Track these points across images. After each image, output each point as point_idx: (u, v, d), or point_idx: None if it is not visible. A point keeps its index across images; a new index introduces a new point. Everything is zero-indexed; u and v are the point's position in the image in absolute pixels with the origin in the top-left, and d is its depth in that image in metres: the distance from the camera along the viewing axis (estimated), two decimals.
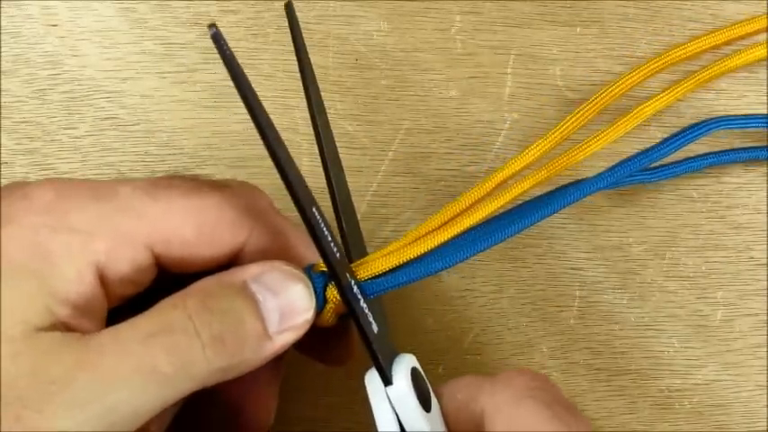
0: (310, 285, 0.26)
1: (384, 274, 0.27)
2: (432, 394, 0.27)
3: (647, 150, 0.31)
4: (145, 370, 0.23)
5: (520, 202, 0.30)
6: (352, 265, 0.27)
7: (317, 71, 0.34)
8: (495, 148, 0.35)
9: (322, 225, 0.25)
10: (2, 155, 0.33)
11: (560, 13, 0.36)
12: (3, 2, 0.34)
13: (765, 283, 0.36)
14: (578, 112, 0.32)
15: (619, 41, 0.36)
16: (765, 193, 0.36)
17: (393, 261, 0.27)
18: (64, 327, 0.24)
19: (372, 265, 0.27)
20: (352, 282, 0.26)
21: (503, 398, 0.25)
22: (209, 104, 0.34)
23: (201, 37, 0.34)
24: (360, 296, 0.26)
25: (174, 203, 0.25)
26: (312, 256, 0.27)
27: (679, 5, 0.36)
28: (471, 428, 0.26)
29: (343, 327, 0.28)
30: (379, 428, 0.26)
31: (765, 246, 0.36)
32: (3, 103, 0.34)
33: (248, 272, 0.25)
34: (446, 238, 0.28)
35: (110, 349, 0.23)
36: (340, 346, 0.29)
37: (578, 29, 0.36)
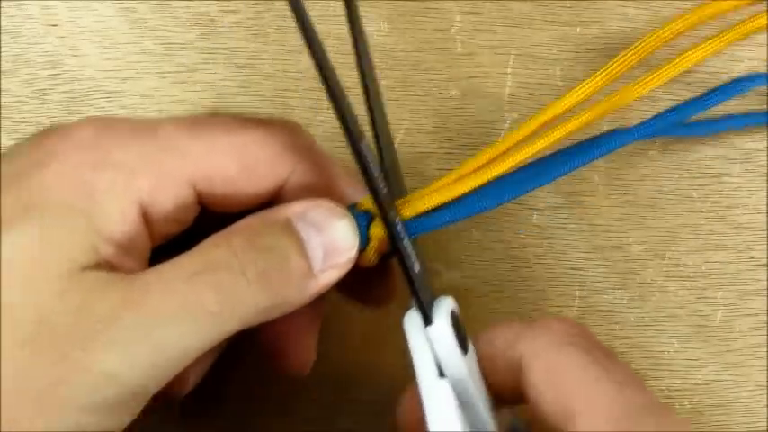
0: (354, 222, 0.26)
1: (427, 213, 0.27)
2: (469, 340, 0.26)
3: (690, 101, 0.31)
4: (191, 308, 0.23)
5: (562, 146, 0.30)
6: (396, 203, 0.27)
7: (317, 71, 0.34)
8: None
9: (371, 159, 0.25)
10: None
11: (560, 13, 0.36)
12: (3, 2, 0.34)
13: (765, 283, 0.36)
14: (621, 57, 0.32)
15: (619, 41, 0.36)
16: (765, 193, 0.36)
17: (437, 200, 0.27)
18: (108, 265, 0.23)
19: (416, 204, 0.27)
20: (397, 219, 0.26)
21: (542, 343, 0.25)
22: (209, 104, 0.34)
23: (201, 37, 0.34)
24: (403, 234, 0.26)
25: (216, 140, 0.25)
26: (354, 195, 0.27)
27: (679, 5, 0.36)
28: (508, 375, 0.26)
29: (384, 267, 0.28)
30: (417, 370, 0.26)
31: (765, 246, 0.36)
32: (3, 103, 0.34)
33: (292, 209, 0.25)
34: (489, 178, 0.27)
35: (155, 288, 0.23)
36: (381, 286, 0.29)
37: (578, 29, 0.36)
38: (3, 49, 0.34)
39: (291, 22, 0.34)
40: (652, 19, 0.36)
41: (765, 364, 0.36)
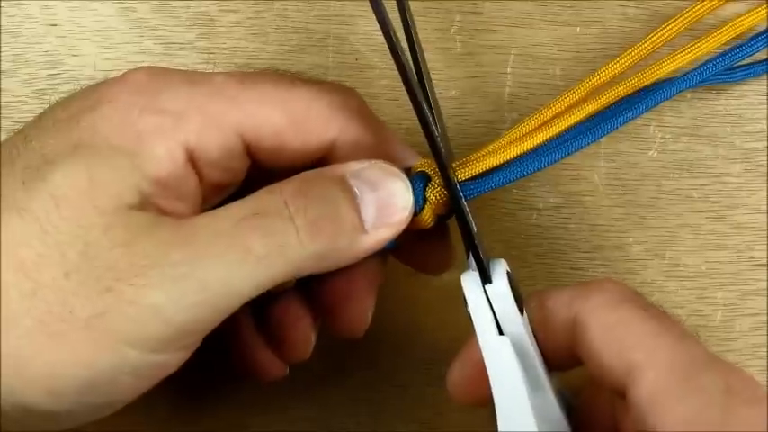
0: (409, 183, 0.26)
1: (481, 175, 0.28)
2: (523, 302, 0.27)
3: (734, 48, 0.33)
4: (238, 249, 0.23)
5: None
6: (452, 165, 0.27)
7: (316, 71, 0.35)
8: None
9: (433, 118, 0.26)
10: None
11: (560, 13, 0.36)
12: (3, 2, 0.34)
13: (765, 283, 0.36)
14: (665, 27, 0.33)
15: (619, 41, 0.36)
16: (765, 193, 0.36)
17: (493, 162, 0.28)
18: (155, 207, 0.24)
19: (472, 167, 0.27)
20: (456, 180, 0.26)
21: (598, 302, 0.25)
22: None
23: (201, 37, 0.34)
24: (462, 194, 0.26)
25: (265, 92, 0.26)
26: (406, 159, 0.28)
27: (679, 5, 0.36)
28: (562, 336, 0.26)
29: (440, 231, 0.28)
30: (477, 328, 0.26)
31: (765, 246, 0.36)
32: (3, 103, 0.34)
33: (348, 167, 0.25)
34: (543, 140, 0.28)
35: (203, 230, 0.23)
36: (438, 250, 0.29)
37: (578, 29, 0.36)
38: (3, 49, 0.34)
39: (291, 22, 0.35)
40: (652, 18, 0.36)
41: (765, 364, 0.36)
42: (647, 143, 0.36)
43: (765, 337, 0.36)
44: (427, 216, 0.27)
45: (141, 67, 0.26)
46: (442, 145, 0.26)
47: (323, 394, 0.34)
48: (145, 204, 0.24)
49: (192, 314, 0.23)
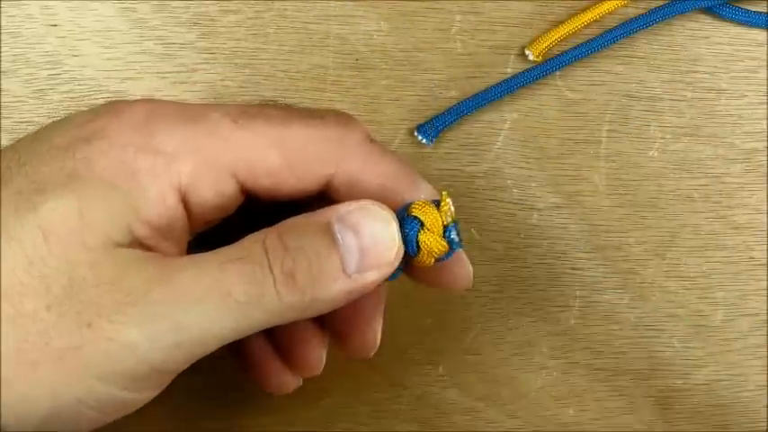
0: (395, 224, 0.25)
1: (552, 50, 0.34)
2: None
3: None
4: (219, 293, 0.23)
5: None
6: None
7: (316, 71, 0.35)
8: (496, 148, 0.35)
9: None
10: None
11: (560, 13, 0.36)
12: (3, 2, 0.34)
13: (765, 283, 0.36)
14: None
15: (619, 41, 0.36)
16: (765, 193, 0.36)
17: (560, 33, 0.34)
18: (143, 247, 0.24)
19: (540, 43, 0.34)
20: (452, 225, 0.26)
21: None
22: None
23: (201, 37, 0.34)
24: (458, 237, 0.26)
25: (260, 132, 0.26)
26: (414, 189, 0.27)
27: None
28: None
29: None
30: None
31: (766, 246, 0.36)
32: (3, 103, 0.34)
33: (335, 210, 0.25)
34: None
35: (185, 271, 0.23)
36: (453, 267, 0.28)
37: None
38: (3, 49, 0.34)
39: (291, 22, 0.35)
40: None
41: (765, 364, 0.36)
42: (648, 143, 0.36)
43: (765, 337, 0.36)
44: (424, 260, 0.26)
45: (138, 102, 0.26)
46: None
47: (323, 395, 0.34)
48: (133, 242, 0.24)
49: (166, 354, 0.23)
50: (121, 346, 0.23)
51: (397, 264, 0.25)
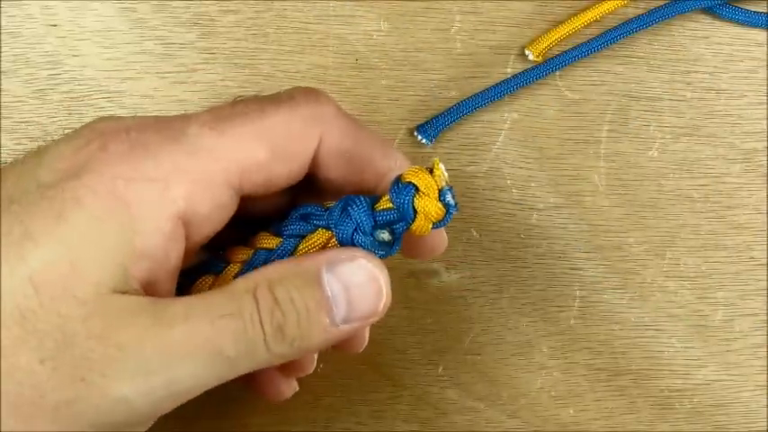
0: (384, 277, 0.26)
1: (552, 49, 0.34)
2: None
3: None
4: (210, 350, 0.24)
5: None
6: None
7: (316, 71, 0.35)
8: (495, 148, 0.35)
9: None
10: (2, 155, 0.33)
11: (560, 13, 0.36)
12: (3, 2, 0.34)
13: (765, 283, 0.36)
14: None
15: (619, 41, 0.36)
16: (765, 193, 0.36)
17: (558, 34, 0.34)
18: (138, 283, 0.24)
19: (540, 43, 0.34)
20: (447, 187, 0.26)
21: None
22: (208, 104, 0.34)
23: (201, 37, 0.34)
24: (453, 200, 0.26)
25: (240, 131, 0.25)
26: (387, 155, 0.27)
27: None
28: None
29: None
30: None
31: (765, 246, 0.36)
32: (3, 103, 0.34)
33: (326, 258, 0.25)
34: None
35: (180, 323, 0.24)
36: (432, 236, 0.28)
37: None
38: (3, 49, 0.34)
39: (291, 22, 0.35)
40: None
41: (765, 364, 0.36)
42: (647, 143, 0.36)
43: (765, 337, 0.36)
44: (422, 226, 0.26)
45: (119, 129, 0.25)
46: None
47: (323, 395, 0.34)
48: (128, 279, 0.24)
49: (157, 405, 0.24)
50: (114, 401, 0.23)
51: (384, 313, 0.26)
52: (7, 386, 0.23)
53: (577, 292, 0.36)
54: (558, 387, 0.36)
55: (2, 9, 0.34)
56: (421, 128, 0.34)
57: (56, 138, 0.34)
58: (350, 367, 0.34)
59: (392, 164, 0.28)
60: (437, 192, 0.26)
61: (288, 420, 0.34)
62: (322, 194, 0.28)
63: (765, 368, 0.36)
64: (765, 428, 0.36)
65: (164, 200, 0.24)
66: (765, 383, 0.36)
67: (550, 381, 0.36)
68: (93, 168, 0.24)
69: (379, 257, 0.26)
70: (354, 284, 0.25)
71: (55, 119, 0.34)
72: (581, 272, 0.36)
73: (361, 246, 0.26)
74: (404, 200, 0.25)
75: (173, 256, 0.25)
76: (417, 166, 0.26)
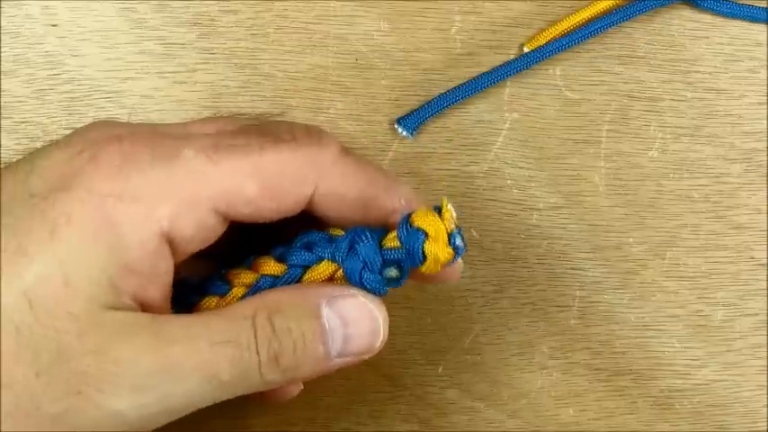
0: (385, 321, 0.26)
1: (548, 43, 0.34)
2: None
3: None
4: (207, 373, 0.24)
5: None
6: None
7: (316, 71, 0.35)
8: (495, 148, 0.35)
9: None
10: (2, 155, 0.33)
11: (560, 14, 0.36)
12: (3, 2, 0.34)
13: (765, 283, 0.36)
14: None
15: (619, 41, 0.36)
16: (765, 193, 0.36)
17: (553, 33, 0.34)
18: (131, 298, 0.24)
19: (538, 40, 0.34)
20: (456, 231, 0.26)
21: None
22: (208, 104, 0.34)
23: (201, 37, 0.34)
24: (462, 243, 0.26)
25: (235, 165, 0.26)
26: (394, 195, 0.27)
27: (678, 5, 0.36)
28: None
29: None
30: None
31: (766, 246, 0.36)
32: (3, 103, 0.34)
33: (325, 292, 0.26)
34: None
35: (179, 343, 0.24)
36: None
37: None
38: (3, 49, 0.34)
39: (291, 22, 0.35)
40: (651, 18, 0.36)
41: (765, 364, 0.36)
42: (648, 143, 0.36)
43: (765, 337, 0.36)
44: (431, 269, 0.26)
45: (112, 142, 0.25)
46: None
47: (323, 395, 0.34)
48: (120, 295, 0.24)
49: (151, 420, 0.24)
50: (109, 414, 0.23)
51: (379, 349, 0.26)
52: (5, 397, 0.23)
53: (577, 293, 0.36)
54: (559, 387, 0.36)
55: (2, 9, 0.34)
56: (402, 120, 0.34)
57: (55, 138, 0.34)
58: (350, 368, 0.34)
59: (397, 203, 0.27)
60: (447, 236, 0.26)
61: (288, 420, 0.34)
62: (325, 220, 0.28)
63: (765, 368, 0.36)
64: (765, 428, 0.36)
65: (148, 220, 0.25)
66: (765, 383, 0.36)
67: (551, 381, 0.36)
68: (83, 183, 0.25)
69: (386, 291, 0.26)
70: (353, 320, 0.26)
71: (55, 119, 0.34)
72: (581, 272, 0.36)
73: (370, 283, 0.26)
74: (413, 245, 0.26)
75: (161, 271, 0.25)
76: (426, 209, 0.26)
